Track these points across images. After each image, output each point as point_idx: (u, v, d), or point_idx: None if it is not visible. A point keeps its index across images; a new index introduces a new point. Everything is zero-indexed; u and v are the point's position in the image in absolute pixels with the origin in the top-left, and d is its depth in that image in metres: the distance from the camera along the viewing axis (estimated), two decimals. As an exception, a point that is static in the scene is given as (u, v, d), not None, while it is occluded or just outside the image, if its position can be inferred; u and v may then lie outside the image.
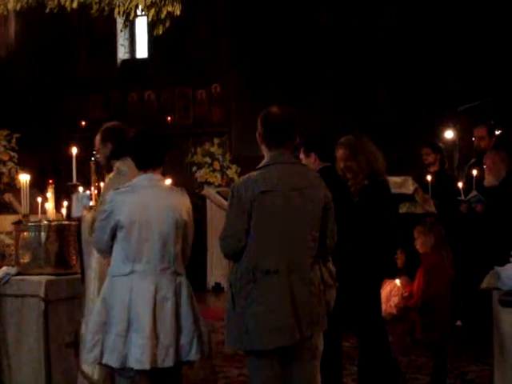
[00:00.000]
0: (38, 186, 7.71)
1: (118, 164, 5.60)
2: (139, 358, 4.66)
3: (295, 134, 4.77)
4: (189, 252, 5.06)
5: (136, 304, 4.72)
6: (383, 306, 6.35)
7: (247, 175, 4.67)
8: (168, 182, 5.64)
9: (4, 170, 8.04)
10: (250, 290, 4.51)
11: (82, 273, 5.65)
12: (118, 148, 5.60)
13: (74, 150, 6.32)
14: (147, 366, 4.67)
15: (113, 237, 4.84)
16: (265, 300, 4.49)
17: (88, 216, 5.63)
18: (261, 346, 4.51)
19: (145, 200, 4.83)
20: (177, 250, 4.88)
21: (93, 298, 5.43)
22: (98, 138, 5.74)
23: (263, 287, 4.50)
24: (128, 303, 4.72)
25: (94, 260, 5.52)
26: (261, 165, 4.70)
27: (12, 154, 8.24)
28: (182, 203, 4.97)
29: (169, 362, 4.74)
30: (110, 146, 5.66)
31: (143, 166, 4.95)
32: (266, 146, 4.71)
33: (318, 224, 4.65)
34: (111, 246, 4.86)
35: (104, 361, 4.75)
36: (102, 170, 5.87)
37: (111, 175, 5.60)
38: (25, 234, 5.97)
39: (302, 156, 5.86)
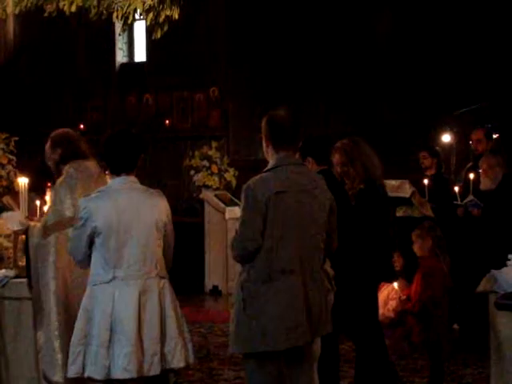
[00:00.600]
0: (36, 189, 7.71)
1: (66, 167, 5.66)
2: (126, 367, 4.51)
3: (300, 135, 4.84)
4: (171, 254, 4.92)
5: (119, 311, 4.58)
6: (381, 310, 6.38)
7: (259, 176, 4.70)
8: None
9: (2, 173, 8.05)
10: (265, 291, 4.53)
11: (29, 279, 5.62)
12: (66, 153, 5.69)
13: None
14: (135, 375, 4.54)
15: (90, 244, 4.71)
16: (281, 300, 4.53)
17: (37, 223, 5.72)
18: (276, 347, 4.53)
19: (121, 204, 4.69)
20: (158, 252, 4.76)
21: (53, 309, 5.42)
22: (47, 145, 5.86)
23: (279, 287, 4.54)
24: (110, 312, 4.58)
25: (50, 268, 5.50)
26: (269, 166, 4.75)
27: (10, 157, 8.24)
28: (160, 204, 4.82)
29: (155, 370, 4.61)
30: (59, 152, 5.74)
31: (116, 170, 4.81)
32: (273, 147, 4.76)
33: (326, 225, 4.74)
34: (89, 255, 4.73)
35: (87, 374, 4.61)
36: (53, 176, 5.91)
37: (60, 179, 5.65)
38: (23, 236, 5.98)
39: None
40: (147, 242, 4.70)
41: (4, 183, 8.07)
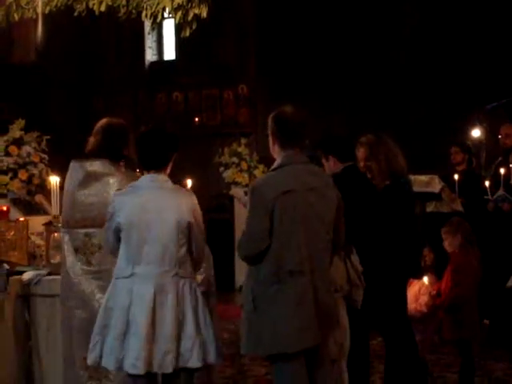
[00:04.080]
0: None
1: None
2: (134, 363, 4.56)
3: (306, 133, 4.77)
4: (199, 254, 4.86)
5: (135, 307, 4.61)
6: (413, 305, 6.36)
7: (265, 176, 4.68)
8: (189, 182, 5.57)
9: (35, 171, 8.11)
10: (274, 292, 4.48)
11: None
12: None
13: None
14: (142, 371, 4.56)
15: (118, 238, 4.75)
16: (290, 301, 4.47)
17: None
18: (287, 349, 4.47)
19: (144, 201, 4.70)
20: (180, 252, 4.72)
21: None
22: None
23: (288, 288, 4.48)
24: (128, 306, 4.62)
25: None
26: (276, 165, 4.69)
27: (42, 155, 8.30)
28: (186, 204, 4.76)
29: (167, 368, 4.61)
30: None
31: (146, 167, 4.82)
32: (280, 145, 4.69)
33: (333, 223, 4.66)
34: (118, 247, 4.77)
35: (102, 363, 4.69)
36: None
37: None
38: (55, 234, 6.04)
39: (323, 160, 5.83)
40: (168, 242, 4.69)
41: (36, 182, 8.12)
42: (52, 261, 6.01)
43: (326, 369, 4.74)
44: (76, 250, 5.43)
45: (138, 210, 4.69)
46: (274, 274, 4.49)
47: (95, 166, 5.45)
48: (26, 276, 5.88)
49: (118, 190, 4.97)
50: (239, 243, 4.65)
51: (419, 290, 6.60)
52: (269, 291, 4.49)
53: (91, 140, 5.56)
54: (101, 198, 5.36)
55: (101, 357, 4.69)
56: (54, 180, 6.23)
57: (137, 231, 4.68)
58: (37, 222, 6.85)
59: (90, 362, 4.78)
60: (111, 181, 5.39)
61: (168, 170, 4.89)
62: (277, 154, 4.73)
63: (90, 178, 5.44)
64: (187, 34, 7.61)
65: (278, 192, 4.50)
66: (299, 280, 4.49)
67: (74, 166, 5.55)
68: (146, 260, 4.67)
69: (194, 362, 4.69)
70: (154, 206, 4.70)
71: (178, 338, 4.64)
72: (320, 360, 4.68)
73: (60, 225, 5.79)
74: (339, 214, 4.70)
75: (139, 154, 4.88)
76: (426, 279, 6.61)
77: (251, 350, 4.72)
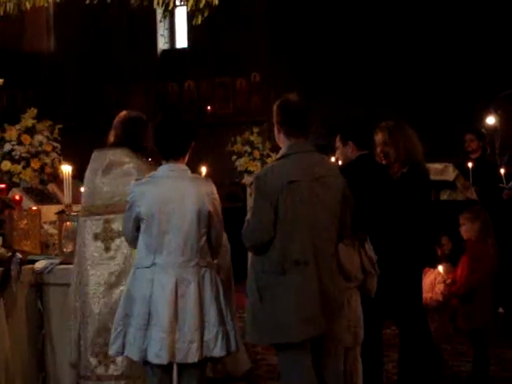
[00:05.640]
0: (80, 176, 7.78)
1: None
2: (158, 353, 4.55)
3: (311, 121, 4.72)
4: (217, 243, 4.86)
5: (156, 297, 4.60)
6: (428, 294, 6.34)
7: (270, 165, 4.66)
8: (203, 170, 5.56)
9: (47, 160, 8.09)
10: (279, 282, 4.46)
11: None
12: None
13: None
14: (165, 361, 4.57)
15: (137, 228, 4.74)
16: (295, 291, 4.46)
17: None
18: (292, 338, 4.47)
19: (165, 191, 4.69)
20: (201, 242, 4.71)
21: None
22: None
23: (293, 278, 4.46)
24: (149, 296, 4.61)
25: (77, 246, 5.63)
26: (281, 154, 4.65)
27: (55, 144, 8.28)
28: (206, 193, 4.74)
29: (192, 358, 4.60)
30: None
31: (165, 156, 4.79)
32: (285, 134, 4.65)
33: (339, 213, 4.62)
34: (137, 237, 4.76)
35: (125, 353, 4.70)
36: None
37: None
38: (68, 223, 6.04)
39: (338, 144, 5.78)
40: (189, 231, 4.67)
41: (49, 171, 8.11)
42: (65, 250, 6.02)
43: (336, 357, 4.75)
44: (95, 237, 5.48)
45: (159, 200, 4.67)
46: (278, 264, 4.47)
47: (116, 154, 5.54)
48: (39, 265, 5.88)
49: (138, 179, 4.95)
50: (244, 233, 4.62)
51: (435, 279, 6.57)
52: (274, 281, 4.48)
53: (111, 134, 5.66)
54: (121, 185, 5.42)
55: (123, 347, 4.68)
56: (65, 169, 6.22)
57: (158, 221, 4.66)
58: (49, 211, 6.85)
59: (112, 352, 4.78)
60: (132, 169, 5.47)
61: (186, 159, 4.87)
62: (282, 142, 4.70)
63: (111, 166, 5.54)
64: (199, 21, 7.56)
65: (282, 182, 4.47)
66: (304, 270, 4.48)
67: (95, 154, 5.68)
68: (167, 250, 4.66)
69: (218, 351, 4.69)
70: (174, 196, 4.69)
71: (202, 328, 4.64)
72: (328, 349, 4.68)
73: (78, 213, 5.83)
74: (345, 202, 4.66)
75: (158, 143, 4.85)
76: (441, 268, 6.59)
77: (256, 338, 4.72)
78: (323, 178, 4.58)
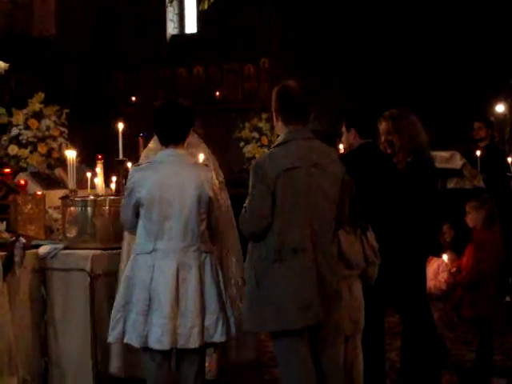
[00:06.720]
0: (87, 161, 7.77)
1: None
2: (159, 338, 4.56)
3: (310, 108, 4.67)
4: (216, 228, 4.88)
5: (157, 283, 4.60)
6: (432, 283, 6.32)
7: (268, 152, 4.64)
8: (201, 156, 5.54)
9: (54, 145, 8.08)
10: (276, 270, 4.44)
11: None
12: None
13: (121, 126, 6.36)
14: (167, 347, 4.58)
15: (137, 214, 4.74)
16: (294, 279, 4.44)
17: None
18: (289, 326, 4.46)
19: (165, 177, 4.69)
20: (201, 227, 4.72)
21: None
22: None
23: (292, 266, 4.44)
24: (149, 282, 4.61)
25: (125, 232, 5.53)
26: (279, 141, 4.62)
27: (62, 129, 8.27)
28: (206, 178, 4.76)
29: (194, 343, 4.61)
30: None
31: (164, 141, 4.81)
32: (283, 121, 4.62)
33: (337, 199, 4.59)
34: (136, 223, 4.76)
35: (125, 340, 4.70)
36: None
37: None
38: (72, 208, 6.02)
39: (343, 130, 5.74)
40: (189, 216, 4.68)
41: (56, 155, 8.11)
42: (68, 235, 6.00)
43: (335, 346, 4.73)
44: None
45: (159, 186, 4.67)
46: (276, 252, 4.44)
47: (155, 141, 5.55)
48: (43, 250, 5.88)
49: (137, 164, 4.94)
50: (241, 220, 4.59)
51: (438, 268, 6.56)
52: (271, 268, 4.45)
53: None
54: None
55: (123, 333, 4.68)
56: (70, 154, 6.20)
57: (158, 207, 4.65)
58: (56, 196, 6.83)
59: (111, 339, 4.78)
60: None
61: (185, 144, 4.87)
62: (280, 130, 4.68)
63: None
64: (205, 6, 7.56)
65: (280, 169, 4.44)
66: (302, 257, 4.46)
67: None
68: (167, 235, 4.66)
69: (219, 336, 4.71)
70: (174, 181, 4.69)
71: (203, 313, 4.65)
72: (327, 337, 4.66)
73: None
74: (344, 189, 4.62)
75: (157, 128, 4.87)
76: (445, 256, 6.57)
77: (253, 326, 4.69)
78: (322, 164, 4.54)
